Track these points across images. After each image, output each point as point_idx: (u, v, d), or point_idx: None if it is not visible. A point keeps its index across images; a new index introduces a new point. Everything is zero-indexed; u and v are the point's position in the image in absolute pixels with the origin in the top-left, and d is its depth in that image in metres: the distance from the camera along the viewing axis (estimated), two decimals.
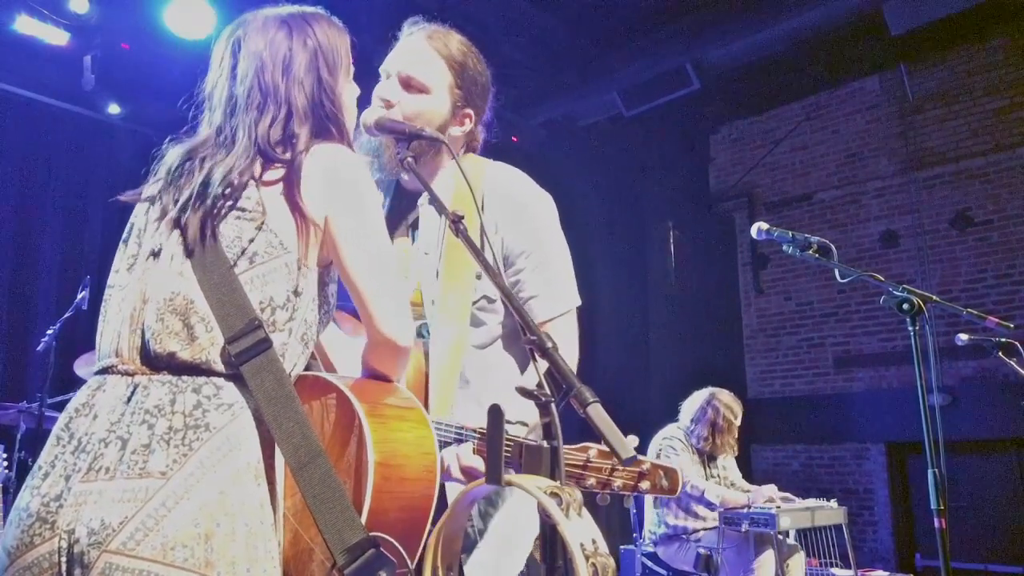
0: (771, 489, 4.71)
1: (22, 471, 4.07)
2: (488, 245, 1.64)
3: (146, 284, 1.28)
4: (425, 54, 1.75)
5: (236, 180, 1.29)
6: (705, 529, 4.63)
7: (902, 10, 5.87)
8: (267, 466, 1.22)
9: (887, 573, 5.59)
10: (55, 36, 4.84)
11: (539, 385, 1.16)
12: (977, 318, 2.73)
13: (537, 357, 1.19)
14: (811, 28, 6.14)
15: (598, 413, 1.08)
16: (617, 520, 6.07)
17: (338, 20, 1.51)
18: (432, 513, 1.31)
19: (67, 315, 4.22)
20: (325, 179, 1.32)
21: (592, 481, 1.44)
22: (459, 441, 1.49)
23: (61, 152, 5.53)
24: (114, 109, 5.49)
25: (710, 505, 4.55)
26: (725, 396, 4.84)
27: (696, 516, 4.66)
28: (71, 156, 5.57)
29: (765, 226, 2.70)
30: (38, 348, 4.23)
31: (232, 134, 1.35)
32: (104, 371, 1.27)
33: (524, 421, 1.52)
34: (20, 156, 5.35)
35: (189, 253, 1.26)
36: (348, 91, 1.48)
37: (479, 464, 1.44)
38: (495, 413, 1.16)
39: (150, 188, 1.40)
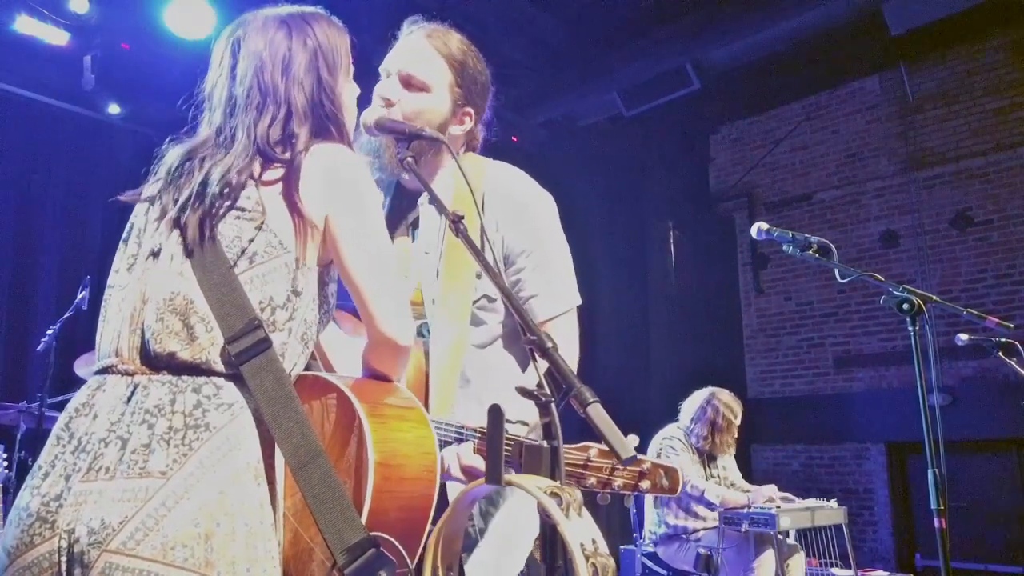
0: (771, 489, 4.70)
1: (22, 471, 4.07)
2: (488, 245, 1.64)
3: (146, 284, 1.28)
4: (425, 53, 1.75)
5: (234, 179, 1.29)
6: (705, 529, 4.62)
7: (902, 10, 5.88)
8: (267, 466, 1.22)
9: (887, 573, 5.59)
10: (55, 36, 4.84)
11: (539, 385, 1.16)
12: (977, 318, 2.73)
13: (537, 357, 1.19)
14: (811, 28, 6.14)
15: (598, 413, 1.08)
16: (617, 520, 6.07)
17: (338, 20, 1.51)
18: (432, 513, 1.31)
19: (67, 315, 4.22)
20: (325, 179, 1.32)
21: (593, 480, 1.44)
22: (460, 440, 1.49)
23: (61, 152, 5.53)
24: (114, 109, 5.49)
25: (710, 505, 4.55)
26: (725, 395, 4.84)
27: (696, 516, 4.66)
28: (71, 156, 5.57)
29: (765, 226, 2.69)
30: (38, 348, 4.24)
31: (232, 134, 1.35)
32: (104, 371, 1.27)
33: (525, 420, 1.52)
34: (20, 156, 5.36)
35: (189, 253, 1.26)
36: (348, 91, 1.48)
37: (480, 463, 1.44)
38: (495, 413, 1.16)
39: (150, 188, 1.40)
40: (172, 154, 1.39)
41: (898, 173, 7.51)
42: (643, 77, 6.46)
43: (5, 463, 4.12)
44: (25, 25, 4.73)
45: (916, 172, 7.38)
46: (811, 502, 4.78)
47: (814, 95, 8.00)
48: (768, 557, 4.44)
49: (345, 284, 1.35)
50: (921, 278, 7.12)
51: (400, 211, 1.84)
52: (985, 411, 6.49)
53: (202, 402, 1.20)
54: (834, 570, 5.15)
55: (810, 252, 2.59)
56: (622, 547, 5.19)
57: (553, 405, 1.15)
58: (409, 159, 1.50)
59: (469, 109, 1.79)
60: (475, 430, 1.49)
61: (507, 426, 1.24)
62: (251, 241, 1.27)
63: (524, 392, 1.15)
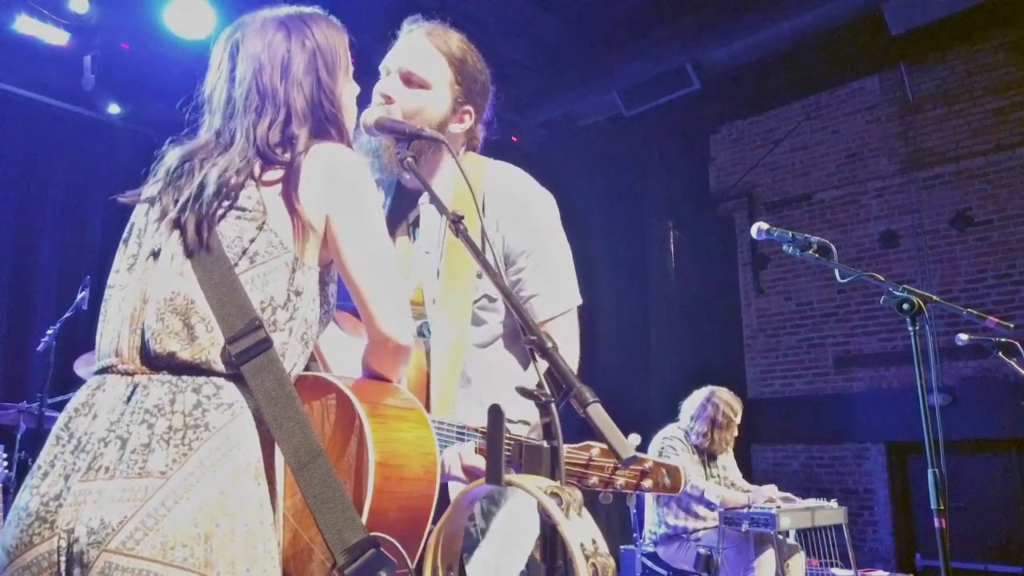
0: (771, 489, 4.71)
1: (22, 471, 4.07)
2: (488, 245, 1.64)
3: (146, 284, 1.28)
4: (425, 51, 1.75)
5: (233, 180, 1.29)
6: (705, 529, 4.63)
7: (902, 10, 5.88)
8: (267, 466, 1.22)
9: (887, 573, 5.59)
10: (55, 36, 4.84)
11: (539, 385, 1.16)
12: (977, 318, 2.73)
13: (537, 357, 1.19)
14: (811, 28, 6.13)
15: (598, 413, 1.08)
16: (617, 520, 6.07)
17: (336, 20, 1.51)
18: (432, 513, 1.31)
19: (67, 315, 4.22)
20: (325, 179, 1.32)
21: (595, 480, 1.44)
22: (461, 440, 1.49)
23: (61, 152, 5.53)
24: (114, 109, 5.49)
25: (710, 505, 4.55)
26: (724, 394, 4.85)
27: (696, 516, 4.66)
28: (71, 156, 5.57)
29: (765, 226, 2.69)
30: (38, 348, 4.24)
31: (231, 137, 1.35)
32: (104, 371, 1.27)
33: (526, 420, 1.51)
34: (20, 156, 5.35)
35: (189, 253, 1.26)
36: (348, 91, 1.48)
37: (481, 463, 1.44)
38: (495, 413, 1.16)
39: (149, 189, 1.40)
40: (171, 155, 1.39)
41: (898, 173, 7.51)
42: (643, 77, 6.46)
43: (5, 463, 4.12)
44: (25, 25, 4.73)
45: (916, 172, 7.38)
46: (811, 502, 4.78)
47: (814, 95, 8.00)
48: (768, 557, 4.44)
49: (345, 284, 1.35)
50: (921, 278, 7.12)
51: (400, 211, 1.84)
52: (985, 411, 6.49)
53: (202, 402, 1.20)
54: (834, 570, 5.15)
55: (810, 252, 2.59)
56: (622, 547, 5.19)
57: (553, 405, 1.15)
58: (409, 159, 1.50)
59: (469, 107, 1.79)
60: (476, 430, 1.49)
61: (509, 426, 1.24)
62: (252, 241, 1.27)
63: (524, 392, 1.15)
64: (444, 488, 1.47)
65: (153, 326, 1.24)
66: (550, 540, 1.09)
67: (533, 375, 1.44)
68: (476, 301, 1.71)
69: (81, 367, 3.91)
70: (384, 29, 1.85)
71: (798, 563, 4.65)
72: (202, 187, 1.29)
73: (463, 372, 1.68)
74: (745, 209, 8.42)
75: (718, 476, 4.82)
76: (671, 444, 4.68)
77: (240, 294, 1.24)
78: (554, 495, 1.07)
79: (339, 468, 1.23)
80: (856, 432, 7.44)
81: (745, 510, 4.42)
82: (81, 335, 4.50)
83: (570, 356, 1.74)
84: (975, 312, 2.73)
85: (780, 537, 4.47)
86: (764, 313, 8.24)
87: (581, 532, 1.04)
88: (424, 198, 1.79)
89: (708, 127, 8.70)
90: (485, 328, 1.74)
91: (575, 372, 1.15)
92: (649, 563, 4.83)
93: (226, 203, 1.28)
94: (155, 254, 1.30)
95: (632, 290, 7.87)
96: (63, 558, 1.11)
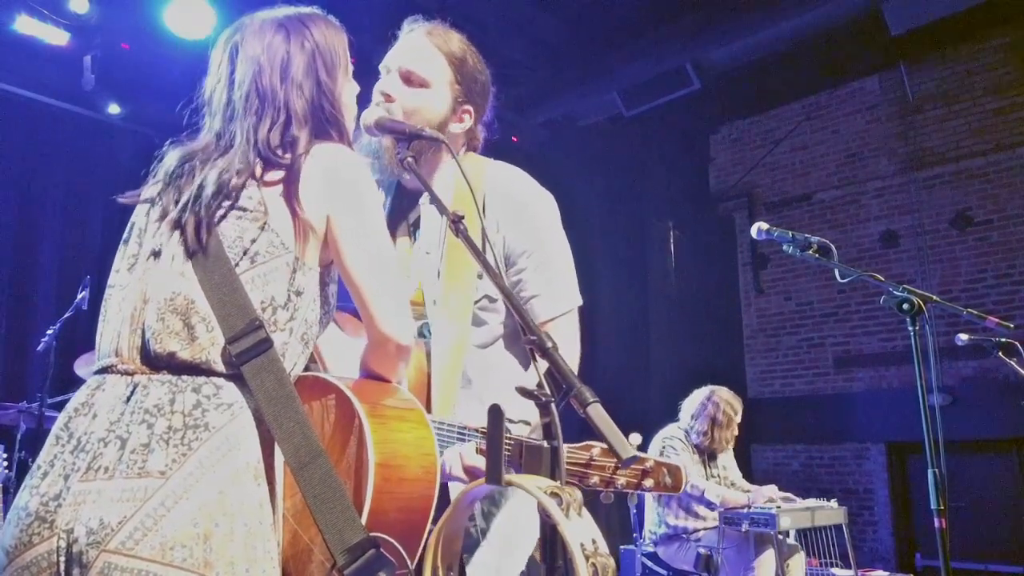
0: (771, 489, 4.70)
1: (22, 471, 4.07)
2: (489, 245, 1.64)
3: (147, 284, 1.28)
4: (426, 50, 1.75)
5: (233, 181, 1.29)
6: (705, 529, 4.63)
7: (902, 10, 5.88)
8: (267, 466, 1.22)
9: (887, 573, 5.59)
10: (55, 36, 4.84)
11: (539, 385, 1.16)
12: (977, 318, 2.73)
13: (537, 357, 1.19)
14: (811, 28, 6.13)
15: (598, 413, 1.08)
16: (617, 520, 6.07)
17: (335, 19, 1.51)
18: (432, 513, 1.31)
19: (67, 315, 4.22)
20: (325, 179, 1.32)
21: (596, 479, 1.44)
22: (462, 441, 1.49)
23: (61, 152, 5.53)
24: (114, 109, 5.49)
25: (710, 505, 4.55)
26: (725, 392, 4.85)
27: (696, 516, 4.66)
28: (71, 156, 5.57)
29: (765, 226, 2.69)
30: (38, 348, 4.24)
31: (231, 139, 1.35)
32: (104, 371, 1.27)
33: (527, 420, 1.51)
34: (20, 156, 5.35)
35: (190, 253, 1.26)
36: (348, 90, 1.48)
37: (482, 463, 1.44)
38: (495, 413, 1.16)
39: (149, 190, 1.40)
40: (171, 156, 1.40)
41: (898, 173, 7.51)
42: (643, 77, 6.46)
43: (5, 463, 4.12)
44: (25, 25, 4.73)
45: (916, 172, 7.38)
46: (811, 502, 4.78)
47: (814, 95, 8.00)
48: (768, 557, 4.44)
49: (345, 284, 1.35)
50: (921, 278, 7.12)
51: (401, 211, 1.84)
52: (985, 411, 6.49)
53: (201, 402, 1.20)
54: (834, 570, 5.15)
55: (810, 252, 2.59)
56: (622, 547, 5.19)
57: (553, 405, 1.15)
58: (409, 159, 1.50)
59: (468, 107, 1.79)
60: (477, 430, 1.49)
61: (510, 426, 1.24)
62: (253, 241, 1.27)
63: (524, 392, 1.15)
64: (444, 488, 1.47)
65: (153, 326, 1.24)
66: (550, 540, 1.09)
67: (534, 375, 1.45)
68: (477, 302, 1.71)
69: (81, 367, 3.91)
70: (384, 29, 1.85)
71: (798, 563, 4.65)
72: (201, 188, 1.29)
73: (464, 372, 1.68)
74: (745, 209, 8.42)
75: (718, 476, 4.82)
76: (671, 444, 4.68)
77: (241, 294, 1.24)
78: (554, 495, 1.07)
79: (339, 468, 1.23)
80: (856, 432, 7.44)
81: (745, 510, 4.42)
82: (81, 335, 4.50)
83: (571, 356, 1.74)
84: (975, 312, 2.73)
85: (780, 537, 4.47)
86: (764, 313, 8.24)
87: (581, 532, 1.04)
88: (424, 198, 1.79)
89: (708, 127, 8.70)
90: (486, 329, 1.74)
91: (575, 372, 1.15)
92: (649, 563, 4.83)
93: (226, 203, 1.28)
94: (156, 254, 1.30)
95: (632, 290, 7.87)
96: (62, 558, 1.11)
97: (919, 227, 7.30)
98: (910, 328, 2.44)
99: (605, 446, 1.41)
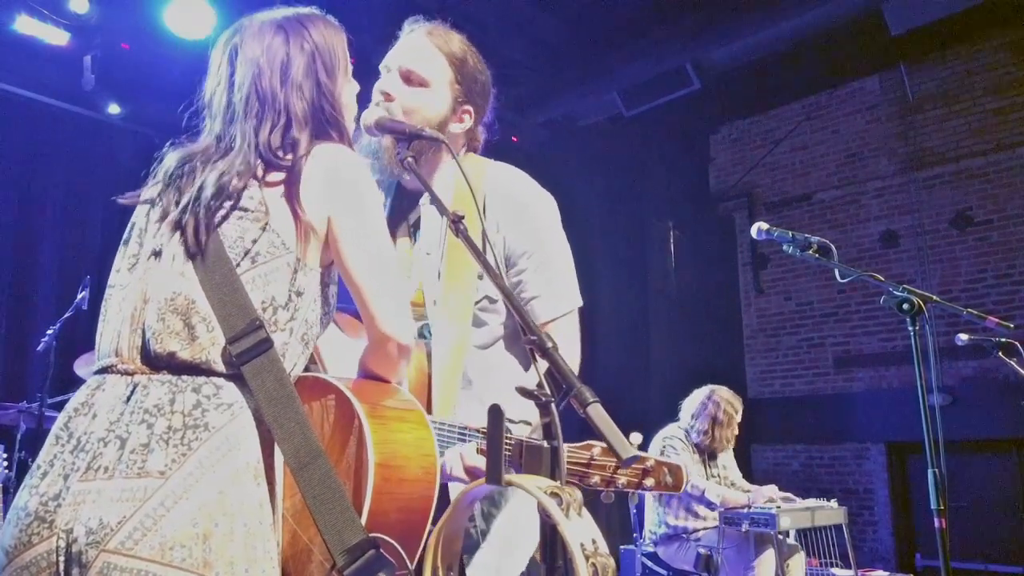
0: (771, 489, 4.70)
1: (22, 471, 4.07)
2: (489, 245, 1.64)
3: (147, 284, 1.28)
4: (426, 51, 1.75)
5: (234, 182, 1.29)
6: (705, 529, 4.63)
7: (902, 10, 5.88)
8: (266, 466, 1.22)
9: (887, 573, 5.58)
10: (55, 36, 4.84)
11: (539, 385, 1.16)
12: (977, 318, 2.72)
13: (537, 357, 1.19)
14: (811, 28, 6.14)
15: (598, 413, 1.08)
16: (617, 520, 6.07)
17: (334, 19, 1.51)
18: (432, 514, 1.31)
19: (67, 315, 4.22)
20: (326, 179, 1.32)
21: (596, 479, 1.44)
22: (462, 441, 1.49)
23: (61, 152, 5.53)
24: (114, 109, 5.49)
25: (710, 505, 4.55)
26: (725, 392, 4.86)
27: (696, 516, 4.66)
28: (71, 156, 5.57)
29: (765, 226, 2.69)
30: (38, 348, 4.24)
31: (231, 142, 1.35)
32: (103, 370, 1.27)
33: (527, 420, 1.51)
34: (20, 156, 5.35)
35: (191, 253, 1.26)
36: (347, 90, 1.48)
37: (483, 464, 1.43)
38: (495, 413, 1.16)
39: (149, 191, 1.40)
40: (170, 158, 1.40)
41: (898, 173, 7.51)
42: (643, 77, 6.46)
43: (5, 463, 4.12)
44: (25, 25, 4.73)
45: (916, 172, 7.38)
46: (811, 502, 4.78)
47: (814, 95, 8.00)
48: (768, 557, 4.44)
49: (346, 284, 1.35)
50: (921, 278, 7.12)
51: (401, 212, 1.84)
52: (985, 411, 6.49)
53: (201, 402, 1.20)
54: (834, 570, 5.14)
55: (810, 252, 2.59)
56: (622, 547, 5.19)
57: (553, 405, 1.15)
58: (409, 159, 1.50)
59: (468, 107, 1.79)
60: (478, 431, 1.49)
61: (511, 426, 1.24)
62: (255, 241, 1.27)
63: (524, 392, 1.15)
64: (444, 489, 1.47)
65: (154, 326, 1.24)
66: (550, 540, 1.09)
67: (534, 376, 1.45)
68: (477, 302, 1.71)
69: (81, 367, 3.91)
70: (384, 29, 1.85)
71: (798, 563, 4.65)
72: (202, 189, 1.29)
73: (464, 373, 1.68)
74: (745, 209, 8.42)
75: (718, 476, 4.82)
76: (672, 443, 4.68)
77: (241, 294, 1.24)
78: (554, 495, 1.07)
79: (339, 469, 1.23)
80: (856, 432, 7.44)
81: (745, 510, 4.42)
82: (81, 335, 4.50)
83: (571, 357, 1.74)
84: (975, 312, 2.73)
85: (780, 537, 4.47)
86: (764, 313, 8.24)
87: (581, 532, 1.04)
88: (425, 199, 1.79)
89: (708, 127, 8.69)
90: (486, 329, 1.74)
91: (576, 373, 1.15)
92: (649, 563, 4.83)
93: (227, 204, 1.28)
94: (156, 254, 1.30)
95: (632, 290, 7.87)
96: (62, 558, 1.11)
97: (919, 227, 7.30)
98: (910, 328, 2.44)
99: (606, 446, 1.41)
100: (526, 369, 1.76)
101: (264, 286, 1.27)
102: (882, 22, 6.01)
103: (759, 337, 8.25)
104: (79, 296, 4.17)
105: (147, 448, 1.14)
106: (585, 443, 1.46)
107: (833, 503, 4.82)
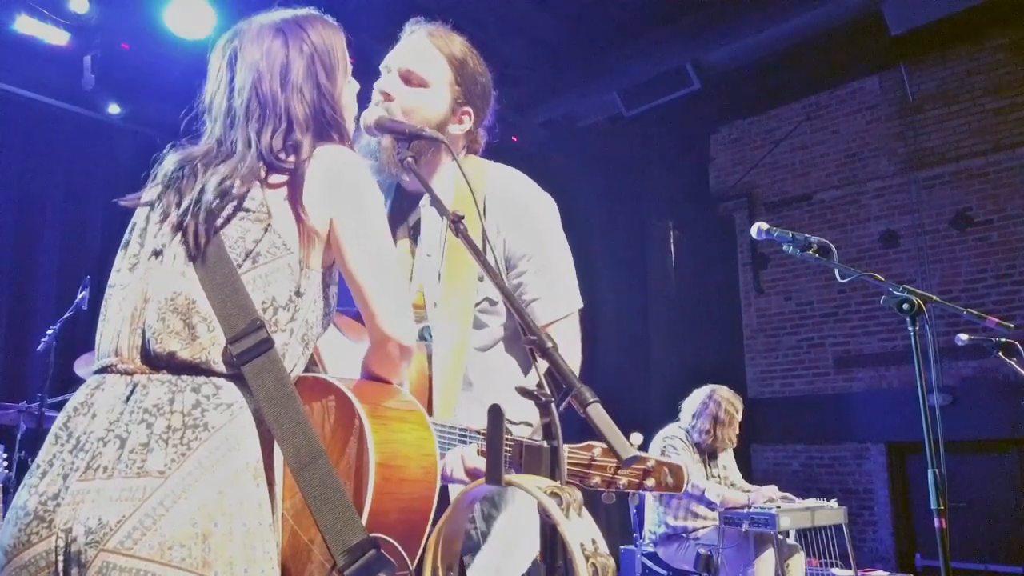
0: (772, 490, 4.70)
1: (22, 471, 4.07)
2: (489, 246, 1.64)
3: (148, 284, 1.28)
4: (427, 52, 1.75)
5: (235, 187, 1.29)
6: (705, 529, 4.63)
7: (902, 10, 5.88)
8: (266, 466, 1.22)
9: (887, 573, 5.59)
10: (55, 36, 4.84)
11: (539, 385, 1.16)
12: (977, 318, 2.72)
13: (537, 357, 1.19)
14: (811, 28, 6.14)
15: (598, 413, 1.08)
16: (617, 520, 6.07)
17: (332, 19, 1.51)
18: (432, 514, 1.31)
19: (67, 315, 4.22)
20: (327, 180, 1.33)
21: (597, 480, 1.44)
22: (463, 443, 1.49)
23: (61, 152, 5.53)
24: (114, 109, 5.49)
25: (710, 504, 4.55)
26: (725, 391, 4.86)
27: (696, 516, 4.66)
28: (71, 156, 5.57)
29: (765, 226, 2.69)
30: (38, 348, 4.24)
31: (232, 146, 1.36)
32: (103, 370, 1.27)
33: (528, 421, 1.51)
34: (20, 156, 5.35)
35: (191, 254, 1.26)
36: (347, 90, 1.48)
37: (483, 465, 1.43)
38: (495, 413, 1.16)
39: (149, 192, 1.40)
40: (169, 159, 1.40)
41: (898, 173, 7.51)
42: (643, 77, 6.46)
43: (5, 463, 4.12)
44: (25, 25, 4.73)
45: (916, 172, 7.38)
46: (811, 502, 4.78)
47: (814, 95, 8.00)
48: (768, 557, 4.44)
49: (347, 284, 1.35)
50: (921, 278, 7.12)
51: (401, 214, 1.84)
52: (985, 411, 6.49)
53: (201, 402, 1.20)
54: (834, 570, 5.15)
55: (810, 252, 2.59)
56: (622, 547, 5.19)
57: (553, 405, 1.15)
58: (409, 159, 1.50)
59: (468, 108, 1.79)
60: (478, 432, 1.49)
61: (511, 427, 1.24)
62: (256, 242, 1.27)
63: (524, 392, 1.15)
64: (444, 489, 1.47)
65: (154, 325, 1.24)
66: (550, 540, 1.09)
67: (534, 377, 1.45)
68: (477, 304, 1.71)
69: (81, 367, 3.91)
70: (384, 29, 1.85)
71: (798, 563, 4.65)
72: (203, 192, 1.29)
73: (465, 375, 1.67)
74: (745, 209, 8.42)
75: (719, 476, 4.82)
76: (672, 443, 4.68)
77: (242, 294, 1.24)
78: (554, 495, 1.07)
79: (339, 469, 1.23)
80: (856, 432, 7.44)
81: (745, 510, 4.42)
82: (81, 335, 4.50)
83: (572, 359, 1.74)
84: (975, 312, 2.73)
85: (780, 537, 4.47)
86: (764, 313, 8.24)
87: (581, 532, 1.04)
88: (425, 200, 1.78)
89: (708, 127, 8.70)
90: (486, 331, 1.74)
91: (576, 374, 1.15)
92: (649, 563, 4.83)
93: (229, 207, 1.28)
94: (157, 254, 1.30)
95: (632, 290, 7.87)
96: (61, 557, 1.11)
97: (919, 227, 7.30)
98: (910, 328, 2.44)
99: (606, 446, 1.41)
100: (526, 371, 1.76)
101: (265, 287, 1.27)
102: (882, 22, 6.01)
103: (759, 337, 8.25)
104: (79, 296, 4.17)
105: (146, 448, 1.14)
106: (586, 444, 1.46)
107: (833, 503, 4.82)
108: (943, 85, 7.32)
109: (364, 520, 1.19)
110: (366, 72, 1.67)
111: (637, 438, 1.30)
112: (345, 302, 1.41)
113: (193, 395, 1.20)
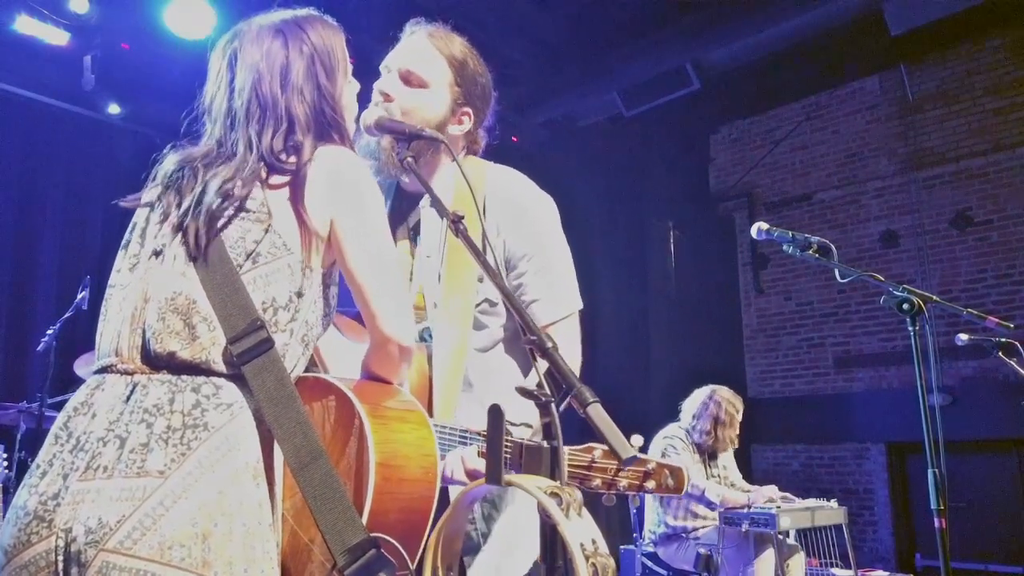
0: (771, 490, 4.71)
1: (22, 471, 4.07)
2: (489, 247, 1.64)
3: (148, 284, 1.28)
4: (427, 52, 1.75)
5: (236, 188, 1.29)
6: (705, 529, 4.63)
7: (902, 10, 5.88)
8: (266, 466, 1.22)
9: (887, 573, 5.59)
10: (55, 36, 4.84)
11: (539, 385, 1.16)
12: (977, 318, 2.73)
13: (537, 357, 1.19)
14: (811, 28, 6.14)
15: (598, 413, 1.08)
16: (617, 520, 6.07)
17: (332, 19, 1.51)
18: (432, 514, 1.31)
19: (67, 315, 4.22)
20: (328, 181, 1.33)
21: (597, 481, 1.44)
22: (464, 444, 1.49)
23: (61, 152, 5.53)
24: (114, 109, 5.49)
25: (710, 504, 4.55)
26: (725, 391, 4.86)
27: (696, 516, 4.66)
28: (71, 156, 5.57)
29: (765, 226, 2.69)
30: (38, 348, 4.24)
31: (233, 147, 1.35)
32: (103, 370, 1.27)
33: (528, 423, 1.52)
34: (20, 156, 5.35)
35: (192, 254, 1.26)
36: (348, 91, 1.48)
37: (484, 466, 1.43)
38: (495, 413, 1.16)
39: (149, 193, 1.40)
40: (169, 160, 1.40)
41: (898, 173, 7.51)
42: (643, 77, 6.46)
43: (5, 463, 4.12)
44: (25, 25, 4.73)
45: (916, 172, 7.38)
46: (811, 502, 4.78)
47: (814, 95, 8.00)
48: (768, 557, 4.44)
49: (348, 284, 1.35)
50: (921, 278, 7.12)
51: (400, 214, 1.84)
52: (985, 411, 6.49)
53: (201, 402, 1.20)
54: (834, 570, 5.15)
55: (810, 252, 2.59)
56: (622, 547, 5.19)
57: (553, 405, 1.15)
58: (409, 159, 1.50)
59: (468, 109, 1.79)
60: (478, 433, 1.49)
61: (511, 428, 1.24)
62: (257, 242, 1.28)
63: (524, 392, 1.15)
64: (444, 489, 1.47)
65: (154, 325, 1.24)
66: (550, 540, 1.09)
67: (534, 378, 1.45)
68: (477, 305, 1.71)
69: (81, 367, 3.91)
70: (384, 29, 1.85)
71: (798, 563, 4.65)
72: (204, 192, 1.29)
73: (465, 376, 1.67)
74: (745, 209, 8.42)
75: (719, 476, 4.82)
76: (672, 443, 4.68)
77: (243, 294, 1.24)
78: (554, 495, 1.07)
79: (339, 469, 1.23)
80: (856, 432, 7.44)
81: (745, 510, 4.42)
82: (81, 335, 4.50)
83: (572, 359, 1.73)
84: (975, 312, 2.73)
85: (780, 537, 4.47)
86: (764, 313, 8.24)
87: (581, 532, 1.04)
88: (425, 201, 1.78)
89: (708, 127, 8.69)
90: (486, 332, 1.74)
91: (576, 374, 1.15)
92: (649, 563, 4.83)
93: (230, 208, 1.28)
94: (157, 254, 1.30)
95: (632, 290, 7.87)
96: (61, 557, 1.11)
97: (919, 227, 7.30)
98: (910, 328, 2.44)
99: (607, 448, 1.41)
100: (526, 372, 1.76)
101: (265, 287, 1.27)
102: (882, 22, 6.02)
103: (759, 337, 8.25)
104: (79, 296, 4.17)
105: (146, 448, 1.14)
106: (586, 446, 1.45)
107: (833, 503, 4.82)
108: (943, 85, 7.32)
109: (364, 520, 1.19)
110: (366, 72, 1.67)
111: (638, 440, 1.30)
112: (345, 302, 1.41)
113: (193, 395, 1.20)
